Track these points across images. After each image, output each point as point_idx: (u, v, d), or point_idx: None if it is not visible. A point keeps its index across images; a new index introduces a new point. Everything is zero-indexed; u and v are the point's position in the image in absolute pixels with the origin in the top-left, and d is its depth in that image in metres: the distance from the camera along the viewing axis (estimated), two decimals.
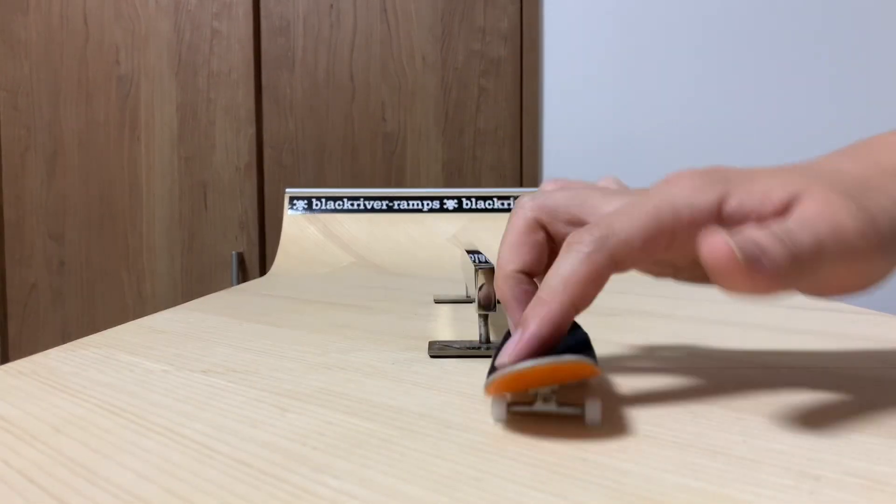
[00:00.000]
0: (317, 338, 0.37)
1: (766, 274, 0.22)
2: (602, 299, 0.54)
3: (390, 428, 0.21)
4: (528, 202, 0.28)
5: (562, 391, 0.23)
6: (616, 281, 0.70)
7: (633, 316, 0.45)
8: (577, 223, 0.26)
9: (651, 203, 0.24)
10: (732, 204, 0.24)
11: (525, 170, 1.45)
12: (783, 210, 0.24)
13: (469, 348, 0.32)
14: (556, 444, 0.20)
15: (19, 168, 1.49)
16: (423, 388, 0.26)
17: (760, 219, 0.24)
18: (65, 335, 1.49)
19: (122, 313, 1.49)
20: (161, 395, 0.25)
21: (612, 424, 0.22)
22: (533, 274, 0.27)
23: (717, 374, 0.28)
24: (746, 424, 0.22)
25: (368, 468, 0.18)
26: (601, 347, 0.34)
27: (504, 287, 0.27)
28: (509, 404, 0.22)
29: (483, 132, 1.47)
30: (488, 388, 0.21)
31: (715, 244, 0.21)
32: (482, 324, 0.33)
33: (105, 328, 0.40)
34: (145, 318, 0.44)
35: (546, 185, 0.30)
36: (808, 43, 1.39)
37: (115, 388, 0.26)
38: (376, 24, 1.46)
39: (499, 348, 0.23)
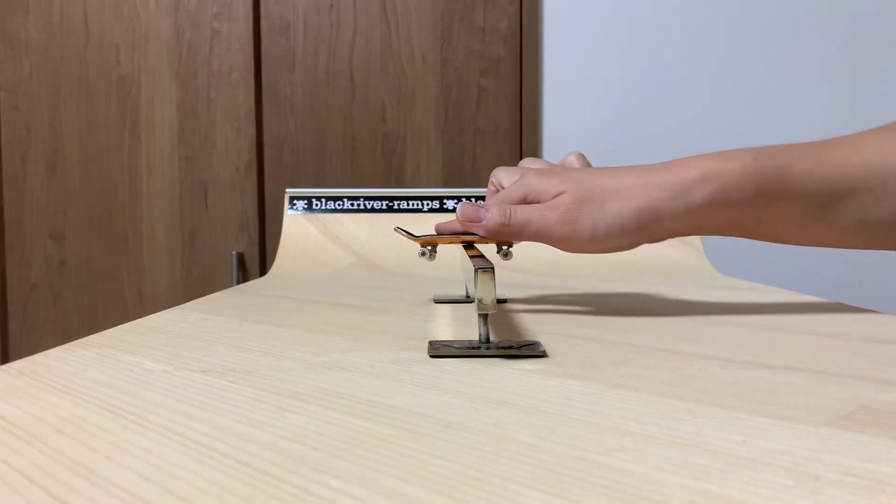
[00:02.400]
0: (317, 338, 0.37)
1: (478, 229, 0.43)
2: (602, 299, 0.54)
3: (390, 428, 0.21)
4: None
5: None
6: (616, 281, 0.70)
7: (633, 316, 0.45)
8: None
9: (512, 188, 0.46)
10: (531, 193, 0.44)
11: None
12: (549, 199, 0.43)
13: (469, 348, 0.32)
14: (556, 444, 0.20)
15: (19, 168, 1.49)
16: (423, 388, 0.26)
17: (535, 201, 0.44)
18: (65, 335, 1.49)
19: (122, 313, 1.49)
20: (161, 395, 0.25)
21: (611, 424, 0.22)
22: None
23: (717, 374, 0.28)
24: (746, 424, 0.22)
25: (368, 468, 0.18)
26: (602, 347, 0.34)
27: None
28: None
29: (483, 132, 1.47)
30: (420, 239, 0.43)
31: (459, 208, 0.44)
32: (482, 323, 0.33)
33: (105, 328, 0.40)
34: (145, 317, 0.44)
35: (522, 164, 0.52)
36: (809, 42, 1.39)
37: (116, 388, 0.26)
38: (376, 24, 1.46)
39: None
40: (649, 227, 0.42)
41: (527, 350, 0.32)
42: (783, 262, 1.41)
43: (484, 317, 0.33)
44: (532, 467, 0.18)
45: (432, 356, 0.32)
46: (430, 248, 0.47)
